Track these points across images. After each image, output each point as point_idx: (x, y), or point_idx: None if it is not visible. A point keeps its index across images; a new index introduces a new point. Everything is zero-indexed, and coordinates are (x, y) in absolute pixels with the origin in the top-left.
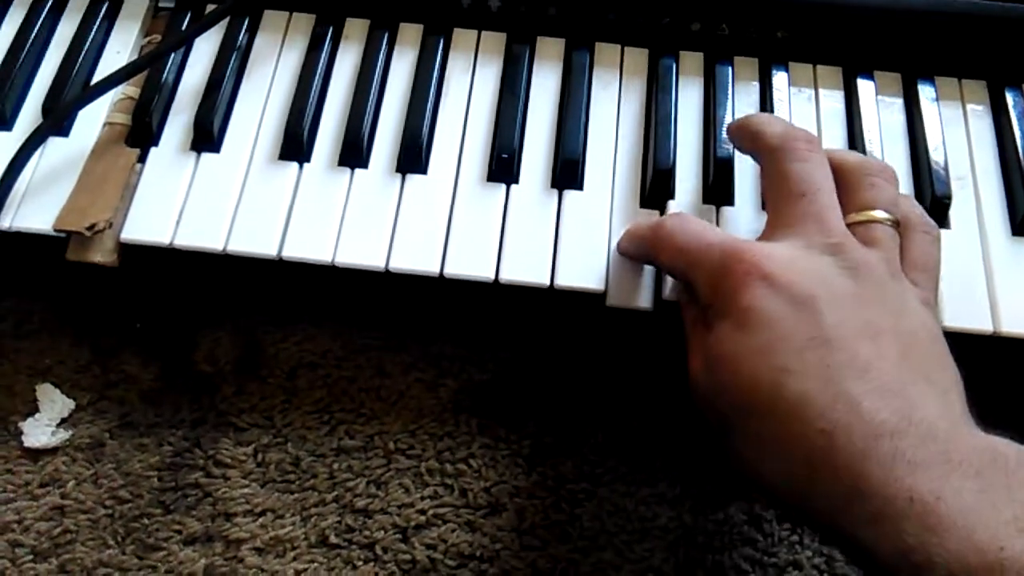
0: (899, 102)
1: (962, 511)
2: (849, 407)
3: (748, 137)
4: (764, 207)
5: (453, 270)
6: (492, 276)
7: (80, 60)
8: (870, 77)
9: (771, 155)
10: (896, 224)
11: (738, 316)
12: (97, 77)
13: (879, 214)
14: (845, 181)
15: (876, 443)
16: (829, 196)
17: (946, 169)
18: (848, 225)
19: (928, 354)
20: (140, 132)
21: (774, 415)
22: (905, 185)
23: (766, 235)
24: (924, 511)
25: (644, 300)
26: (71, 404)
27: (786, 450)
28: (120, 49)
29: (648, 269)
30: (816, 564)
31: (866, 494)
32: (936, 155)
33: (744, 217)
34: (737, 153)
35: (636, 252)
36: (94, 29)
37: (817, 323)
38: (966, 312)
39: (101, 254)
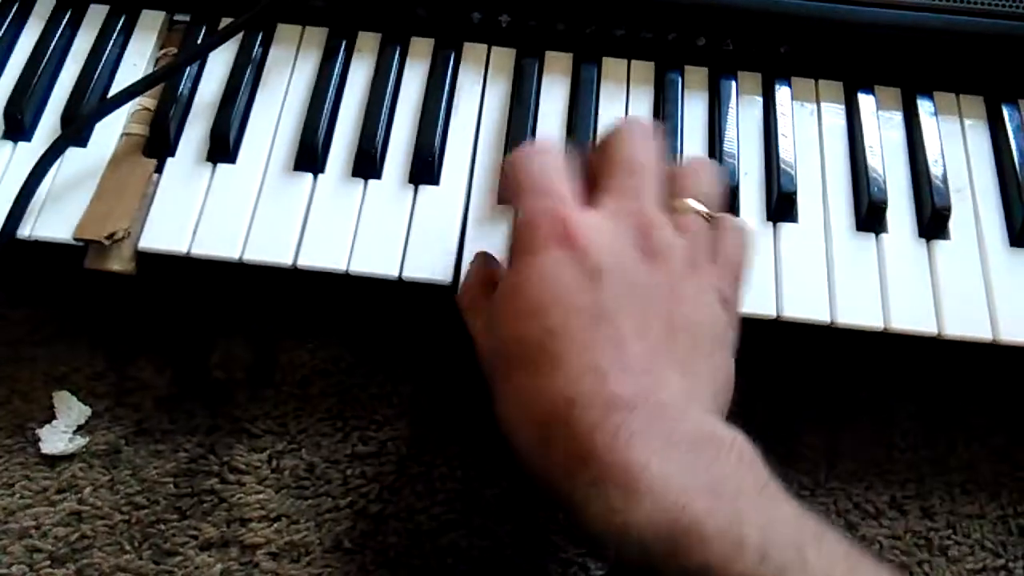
0: (899, 116)
1: (662, 478)
2: (596, 379)
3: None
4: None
5: None
6: None
7: (98, 72)
8: (871, 92)
9: (611, 136)
10: (710, 217)
11: (528, 267)
12: (114, 89)
13: (693, 203)
14: (672, 173)
15: (609, 415)
16: (652, 176)
17: (945, 182)
18: (667, 211)
19: (697, 347)
20: (157, 143)
21: (530, 371)
22: (905, 197)
23: (588, 201)
24: (630, 478)
25: None
26: (87, 411)
27: (532, 408)
28: (137, 61)
29: None
30: None
31: (588, 460)
32: (935, 168)
33: (749, 225)
34: (742, 162)
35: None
36: (111, 42)
37: (596, 296)
38: (966, 321)
39: (119, 262)
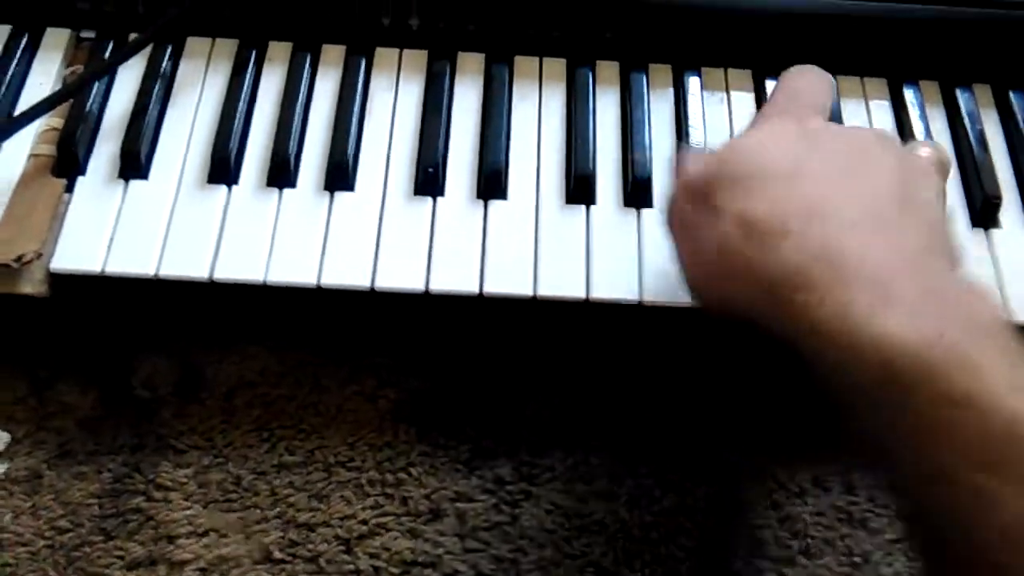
0: None
1: (914, 297)
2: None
3: None
4: None
5: (384, 283)
6: (423, 287)
7: (2, 92)
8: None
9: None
10: None
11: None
12: (20, 109)
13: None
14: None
15: (853, 230)
16: (811, 96)
17: None
18: None
19: (919, 206)
20: (66, 162)
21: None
22: None
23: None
24: (883, 288)
25: (579, 290)
26: (6, 437)
27: (782, 215)
28: (43, 81)
29: (578, 265)
30: None
31: (841, 269)
32: None
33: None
34: (655, 157)
35: None
36: (15, 61)
37: (793, 192)
38: None
39: (31, 285)
